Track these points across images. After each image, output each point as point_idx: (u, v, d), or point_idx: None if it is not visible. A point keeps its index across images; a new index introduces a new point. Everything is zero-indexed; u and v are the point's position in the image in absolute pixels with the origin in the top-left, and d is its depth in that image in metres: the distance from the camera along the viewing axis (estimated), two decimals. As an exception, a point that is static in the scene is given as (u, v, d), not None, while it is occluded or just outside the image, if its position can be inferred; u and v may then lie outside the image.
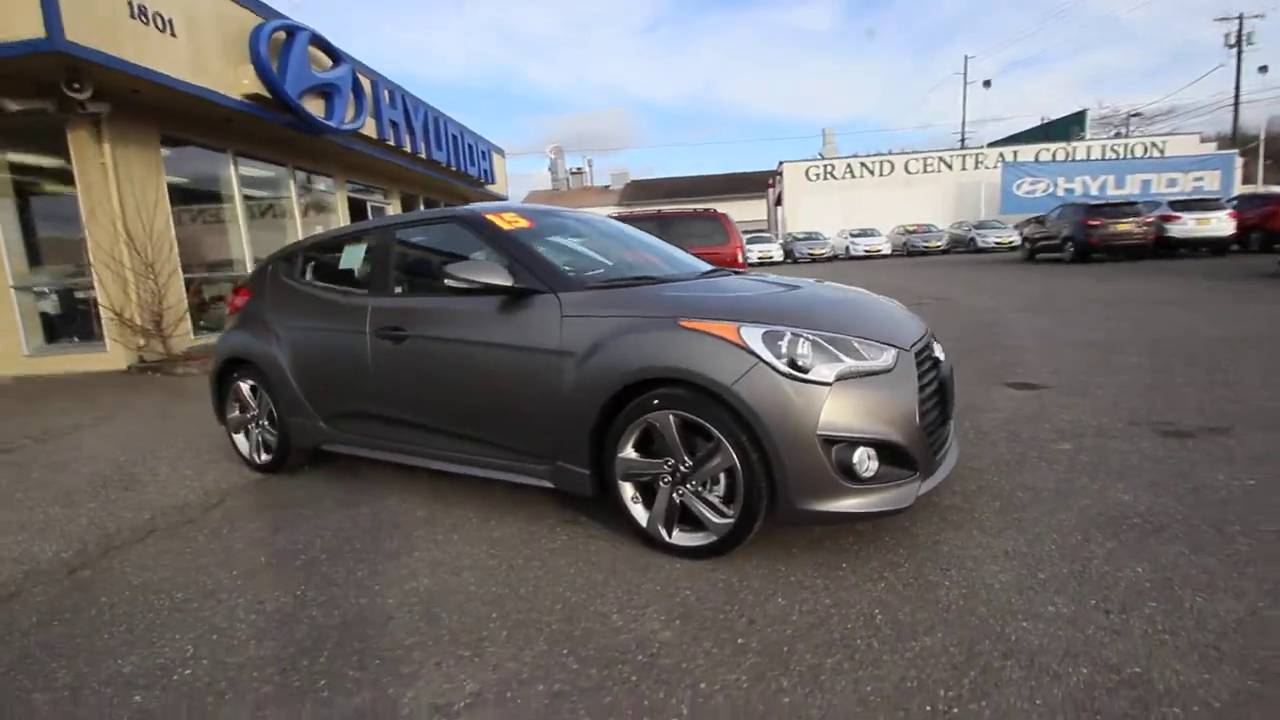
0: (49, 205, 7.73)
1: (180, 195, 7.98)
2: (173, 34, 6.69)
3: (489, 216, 3.05)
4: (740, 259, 9.37)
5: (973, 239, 25.65)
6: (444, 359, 2.91)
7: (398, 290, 3.23)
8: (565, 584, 2.32)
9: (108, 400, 6.16)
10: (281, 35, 8.14)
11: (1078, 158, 29.51)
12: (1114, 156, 29.31)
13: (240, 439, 3.91)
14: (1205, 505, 2.63)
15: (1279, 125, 36.46)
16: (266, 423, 3.73)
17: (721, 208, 10.54)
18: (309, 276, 3.66)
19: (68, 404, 6.09)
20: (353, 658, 1.96)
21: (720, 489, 2.35)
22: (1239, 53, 31.46)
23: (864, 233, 27.00)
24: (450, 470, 3.02)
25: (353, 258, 3.48)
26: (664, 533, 2.45)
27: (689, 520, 2.43)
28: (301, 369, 3.47)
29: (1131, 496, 2.75)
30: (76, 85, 6.23)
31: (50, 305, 7.83)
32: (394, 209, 13.78)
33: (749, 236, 24.12)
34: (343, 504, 3.24)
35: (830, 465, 2.17)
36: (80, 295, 7.59)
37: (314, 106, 8.74)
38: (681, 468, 2.38)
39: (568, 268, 2.94)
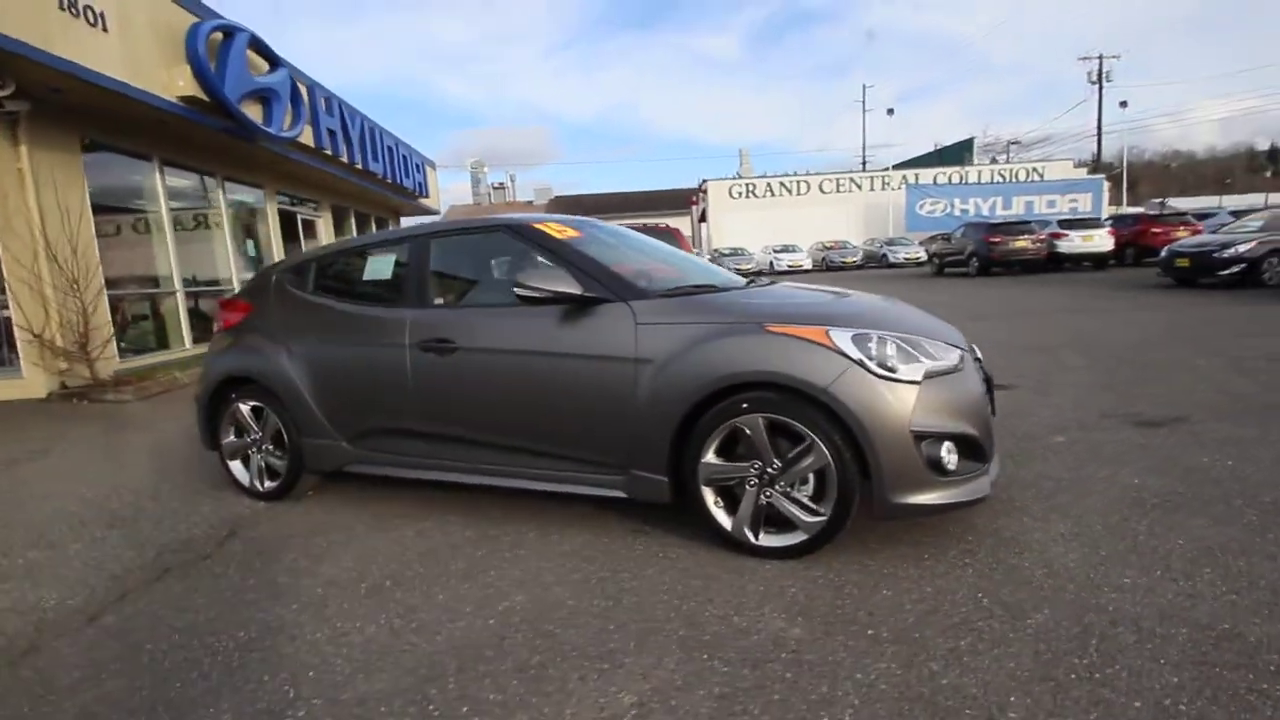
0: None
1: (101, 205, 7.26)
2: (104, 29, 6.12)
3: (540, 226, 3.01)
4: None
5: (884, 255, 27.38)
6: (503, 371, 2.84)
7: (439, 302, 3.12)
8: (666, 591, 2.32)
9: (38, 432, 5.48)
10: (219, 36, 7.62)
11: (970, 181, 32.21)
12: (1001, 180, 32.23)
13: (237, 466, 3.61)
14: (1204, 484, 2.97)
15: (1136, 154, 41.23)
16: (271, 446, 3.48)
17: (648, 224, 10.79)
18: (324, 289, 3.46)
19: (-18, 438, 5.37)
20: (484, 680, 1.88)
21: (809, 488, 2.43)
22: (1100, 88, 35.57)
23: (786, 248, 28.21)
24: (504, 485, 2.93)
25: (380, 269, 3.32)
26: (750, 535, 2.49)
27: (772, 522, 2.49)
28: (322, 387, 3.27)
29: (1139, 480, 3.06)
30: (-10, 81, 5.58)
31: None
32: (325, 223, 13.11)
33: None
34: (376, 528, 3.06)
35: (921, 460, 2.30)
36: (-15, 316, 6.73)
37: (252, 112, 8.21)
38: (770, 469, 2.44)
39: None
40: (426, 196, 16.71)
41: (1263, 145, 71.72)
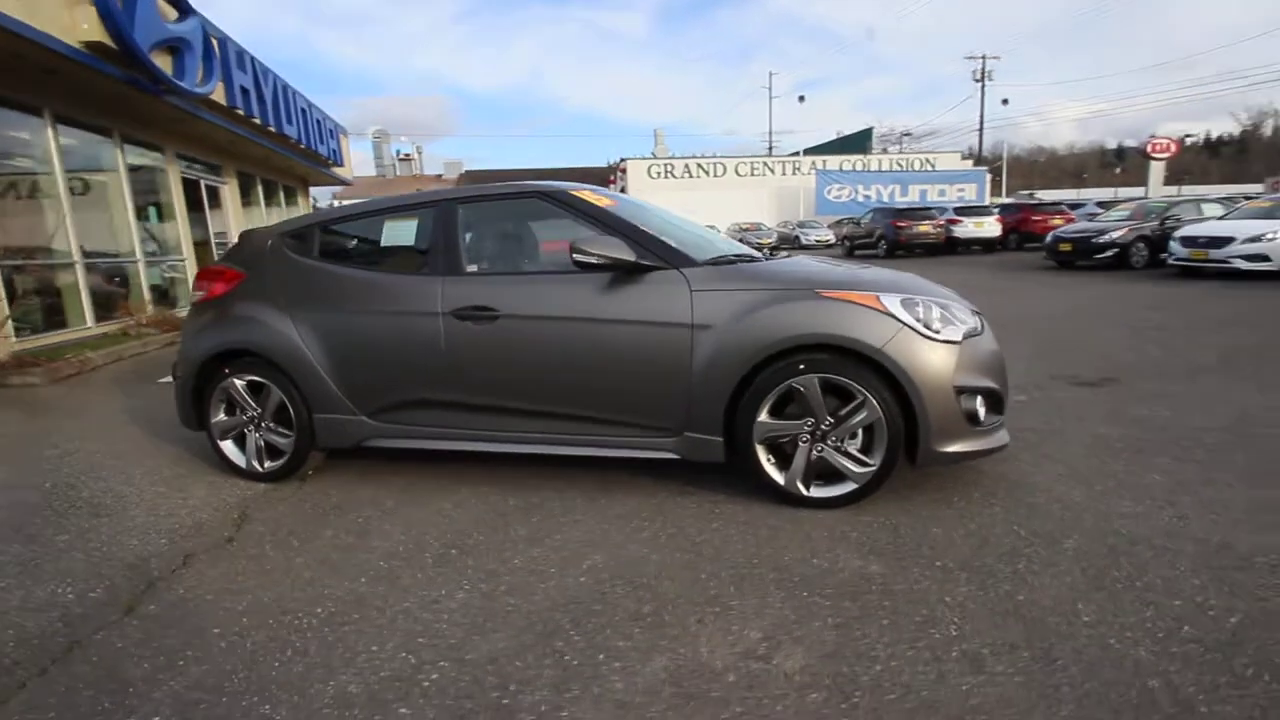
0: None
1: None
2: (-6, -41, 5.31)
3: (580, 194, 3.01)
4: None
5: (797, 236, 28.62)
6: (551, 338, 2.83)
7: (471, 269, 3.05)
8: (737, 542, 2.45)
9: (-62, 421, 4.79)
10: (124, -25, 6.78)
11: (872, 169, 34.15)
12: (899, 169, 34.39)
13: (229, 446, 3.38)
14: (1153, 430, 3.46)
15: (1013, 148, 45.04)
16: (273, 423, 3.28)
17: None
18: (334, 255, 3.27)
19: None
20: (605, 631, 1.94)
21: (857, 442, 2.63)
22: (983, 86, 38.61)
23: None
24: (548, 452, 2.95)
25: (399, 234, 3.19)
26: (802, 488, 2.67)
27: (819, 475, 2.68)
28: (337, 359, 3.12)
29: (1105, 429, 3.51)
30: None
31: None
32: (230, 190, 12.02)
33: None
34: (409, 502, 2.99)
35: (960, 413, 2.56)
36: None
37: (162, 63, 7.39)
38: (822, 426, 2.62)
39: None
40: (341, 165, 15.67)
41: (1111, 144, 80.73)
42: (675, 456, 2.81)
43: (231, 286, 3.36)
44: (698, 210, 31.51)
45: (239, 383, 3.28)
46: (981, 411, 2.62)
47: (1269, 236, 10.29)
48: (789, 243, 29.15)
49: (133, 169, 8.92)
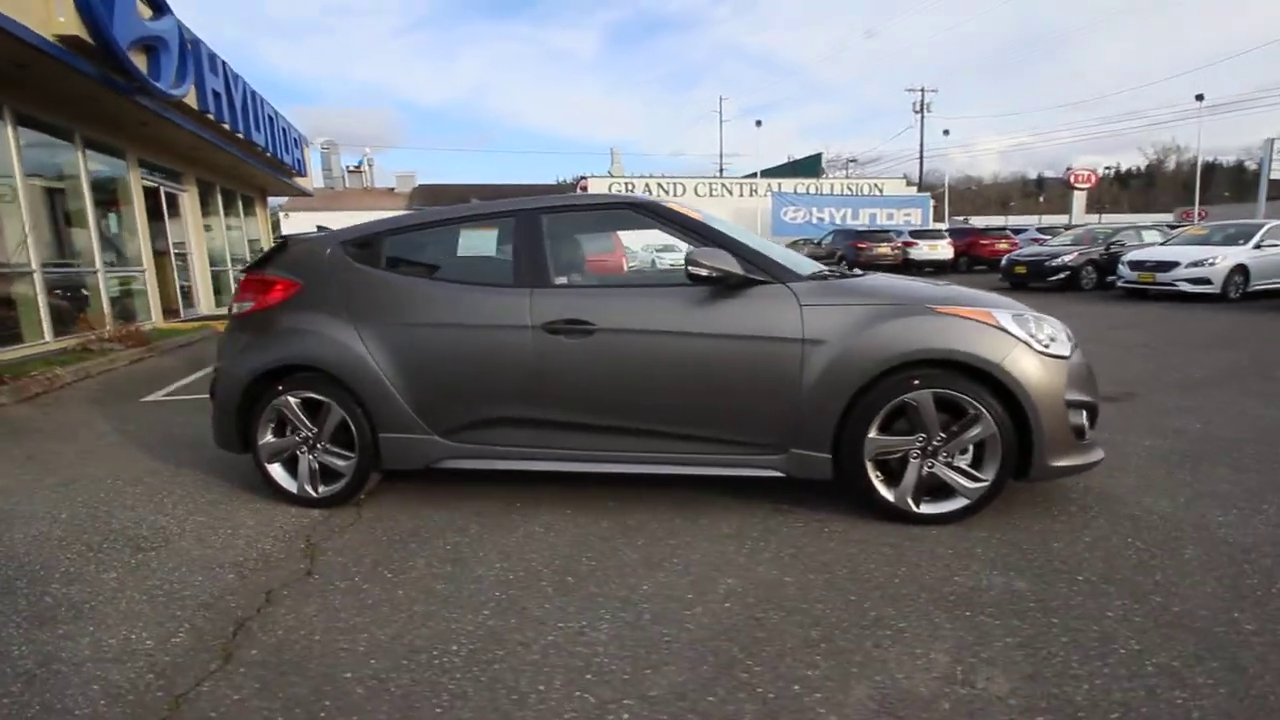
0: None
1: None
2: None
3: (674, 207, 2.95)
4: (624, 266, 9.71)
5: None
6: (652, 353, 2.74)
7: (561, 281, 2.93)
8: (868, 561, 2.40)
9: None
10: (102, -33, 6.34)
11: (824, 192, 35.27)
12: (849, 193, 35.64)
13: (278, 470, 3.12)
14: (1195, 441, 3.61)
15: (938, 176, 47.39)
16: (330, 444, 3.05)
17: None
18: (403, 265, 3.08)
19: None
20: (784, 659, 1.85)
21: (967, 457, 2.64)
22: (922, 117, 40.67)
23: (666, 248, 28.98)
24: (644, 471, 2.84)
25: (477, 245, 3.03)
26: (913, 504, 2.65)
27: (928, 491, 2.67)
28: (410, 375, 2.93)
29: (1151, 441, 3.65)
30: None
31: None
32: (190, 199, 11.34)
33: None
34: (494, 526, 2.82)
35: (1069, 427, 2.60)
36: None
37: (138, 62, 6.94)
38: (934, 441, 2.61)
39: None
40: (304, 175, 15.06)
41: (1033, 174, 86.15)
42: (780, 474, 2.75)
43: (285, 297, 3.12)
44: (657, 230, 31.82)
45: (292, 400, 3.04)
46: (1085, 426, 2.67)
47: (1210, 262, 11.13)
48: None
49: (94, 174, 8.31)
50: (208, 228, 12.19)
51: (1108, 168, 64.44)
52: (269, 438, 3.11)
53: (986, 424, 2.56)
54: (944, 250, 20.72)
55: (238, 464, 3.69)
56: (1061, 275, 13.78)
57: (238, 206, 13.85)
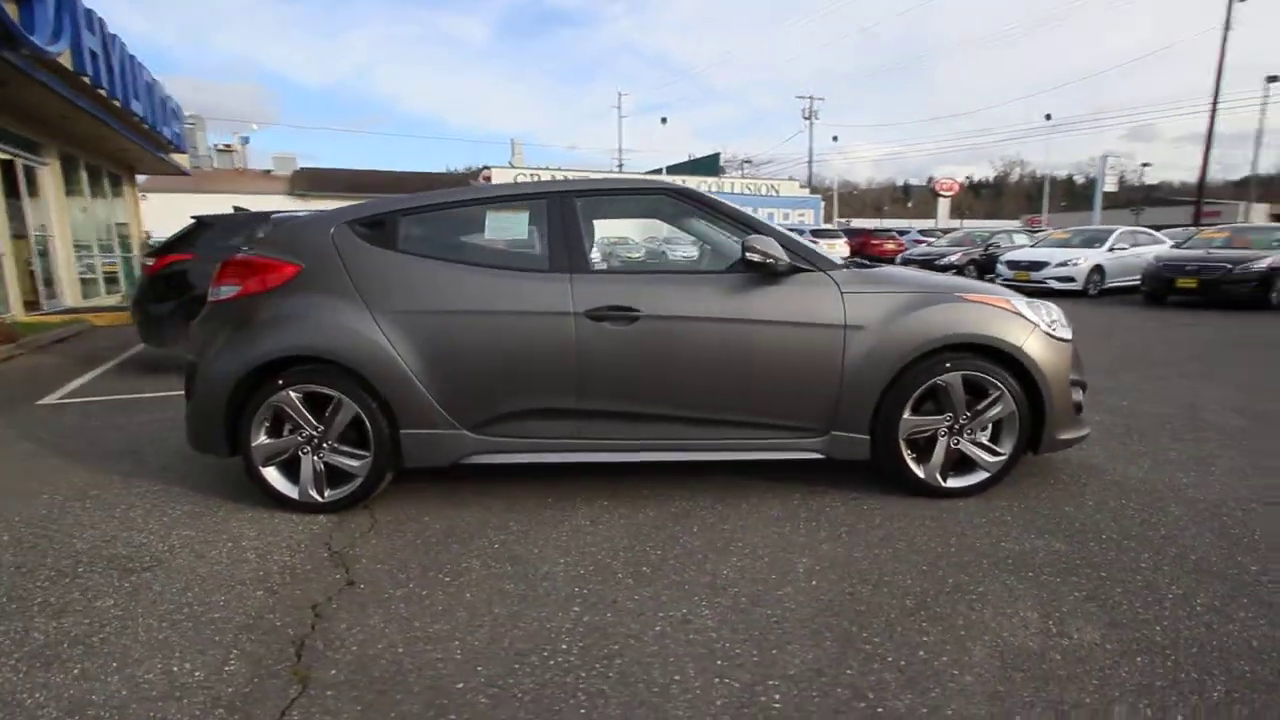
0: None
1: None
2: None
3: (708, 194, 2.94)
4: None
5: (664, 252, 29.68)
6: (697, 339, 2.73)
7: (601, 266, 2.84)
8: (918, 534, 2.54)
9: None
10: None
11: (725, 190, 36.48)
12: (748, 193, 37.09)
13: (273, 474, 2.81)
14: (1135, 417, 4.11)
15: (818, 180, 50.46)
16: (337, 442, 2.79)
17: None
18: (422, 247, 2.85)
19: None
20: (896, 629, 1.92)
21: (986, 434, 2.85)
22: (811, 124, 43.07)
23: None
24: (686, 459, 2.83)
25: (507, 227, 2.86)
26: (940, 480, 2.84)
27: (951, 466, 2.86)
28: (436, 365, 2.73)
29: (1100, 417, 4.10)
30: None
31: None
32: (52, 174, 9.80)
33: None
34: (535, 521, 2.71)
35: (1071, 404, 2.88)
36: None
37: (8, 9, 5.91)
38: (960, 420, 2.81)
39: None
40: (184, 151, 13.48)
41: (900, 182, 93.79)
42: (820, 456, 2.84)
43: (282, 281, 2.81)
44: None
45: (293, 395, 2.75)
46: (1082, 402, 2.98)
47: (1073, 263, 12.64)
48: (656, 258, 30.18)
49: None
50: (83, 210, 10.62)
51: (968, 177, 71.34)
52: (263, 439, 2.79)
53: (1007, 402, 2.78)
54: (841, 249, 22.02)
55: (199, 470, 3.31)
56: (949, 273, 15.13)
57: (104, 185, 12.16)
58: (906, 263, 16.14)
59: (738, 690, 1.69)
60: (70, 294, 10.18)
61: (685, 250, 28.05)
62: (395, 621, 2.03)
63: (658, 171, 37.36)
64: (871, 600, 2.09)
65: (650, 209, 3.06)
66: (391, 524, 2.73)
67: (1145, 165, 52.70)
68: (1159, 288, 10.86)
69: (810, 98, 43.46)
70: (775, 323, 2.75)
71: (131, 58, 9.75)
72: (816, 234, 22.61)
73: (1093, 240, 13.47)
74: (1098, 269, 12.63)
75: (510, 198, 2.96)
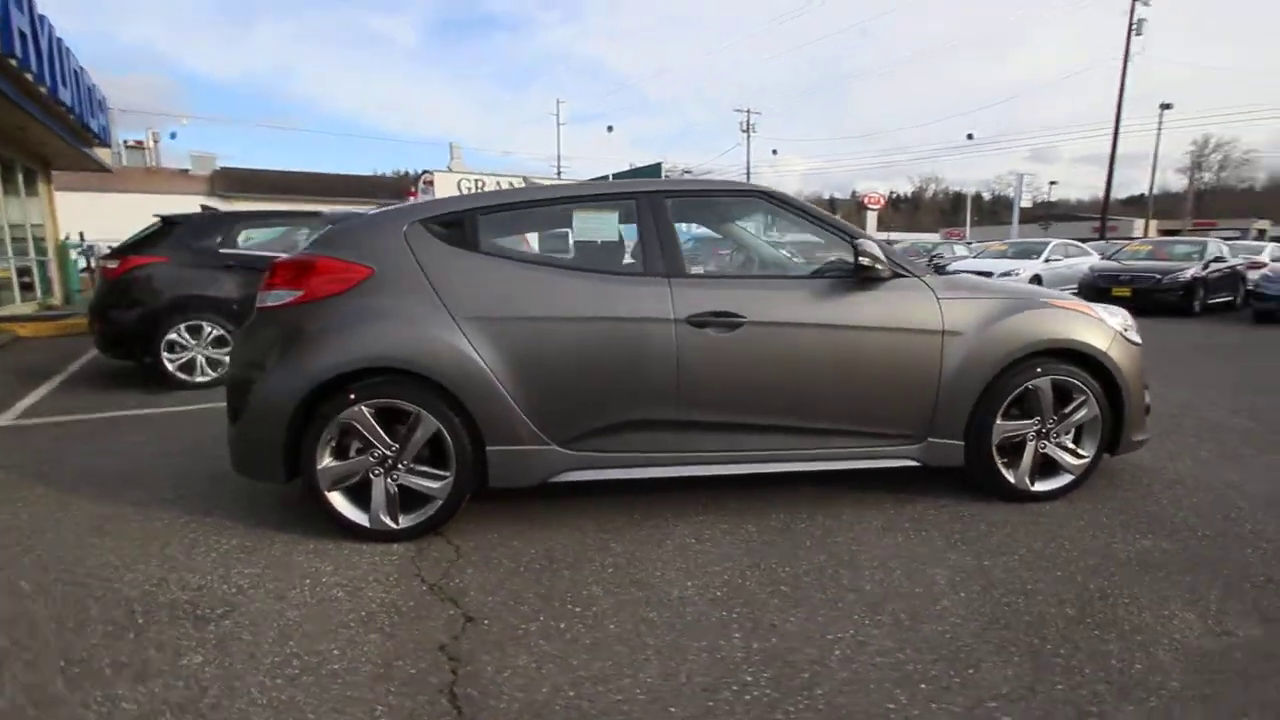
0: None
1: None
2: None
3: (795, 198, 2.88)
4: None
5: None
6: (800, 346, 2.65)
7: (698, 270, 2.71)
8: (1032, 539, 2.54)
9: None
10: None
11: (667, 200, 36.93)
12: (690, 202, 37.74)
13: (340, 499, 2.53)
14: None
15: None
16: (413, 462, 2.54)
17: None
18: (508, 248, 2.64)
19: None
20: (1072, 634, 1.89)
21: (1069, 437, 2.91)
22: (749, 136, 44.20)
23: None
24: (785, 470, 2.74)
25: (595, 228, 2.69)
26: (1029, 483, 2.87)
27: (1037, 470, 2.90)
28: (531, 376, 2.53)
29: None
30: None
31: None
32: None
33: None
34: (632, 541, 2.55)
35: (1144, 406, 2.98)
36: None
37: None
38: (1048, 424, 2.85)
39: None
40: (108, 145, 12.30)
41: (826, 195, 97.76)
42: (916, 463, 2.81)
43: (351, 285, 2.54)
44: (507, 230, 30.91)
45: (368, 411, 2.49)
46: (1150, 404, 3.09)
47: (1015, 274, 13.43)
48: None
49: None
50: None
51: (891, 191, 75.04)
52: (330, 460, 2.51)
53: (1092, 406, 2.85)
54: (788, 258, 22.71)
55: (224, 497, 2.99)
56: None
57: (17, 183, 10.91)
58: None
59: (958, 713, 1.60)
60: (-22, 301, 9.05)
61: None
62: (548, 660, 1.84)
63: (603, 178, 37.33)
64: (1031, 610, 2.06)
65: (744, 210, 2.97)
66: (477, 551, 2.50)
67: (1053, 184, 56.89)
68: (1095, 297, 11.68)
69: (748, 111, 44.62)
70: (879, 329, 2.71)
71: (59, 41, 8.84)
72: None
73: (1029, 252, 14.36)
74: (1036, 279, 13.46)
75: (595, 197, 2.80)
